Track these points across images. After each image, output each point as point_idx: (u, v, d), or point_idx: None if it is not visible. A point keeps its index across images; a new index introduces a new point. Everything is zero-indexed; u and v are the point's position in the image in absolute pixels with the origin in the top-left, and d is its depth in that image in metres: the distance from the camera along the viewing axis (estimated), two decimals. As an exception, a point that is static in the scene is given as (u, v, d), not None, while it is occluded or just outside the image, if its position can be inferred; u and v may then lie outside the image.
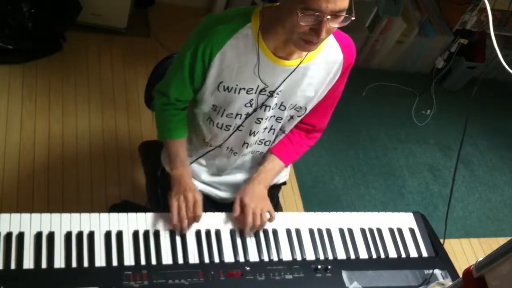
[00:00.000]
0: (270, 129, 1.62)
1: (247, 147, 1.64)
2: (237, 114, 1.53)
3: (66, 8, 2.76)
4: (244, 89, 1.47)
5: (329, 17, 1.22)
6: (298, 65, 1.43)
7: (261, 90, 1.47)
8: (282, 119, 1.59)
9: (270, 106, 1.52)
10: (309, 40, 1.28)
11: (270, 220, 1.57)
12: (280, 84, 1.46)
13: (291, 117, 1.60)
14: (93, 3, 2.87)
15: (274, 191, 1.87)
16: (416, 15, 3.46)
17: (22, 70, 2.73)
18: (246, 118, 1.54)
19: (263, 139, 1.65)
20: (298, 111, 1.57)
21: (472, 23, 3.21)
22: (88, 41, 2.98)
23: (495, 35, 1.25)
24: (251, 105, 1.51)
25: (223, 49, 1.40)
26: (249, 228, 1.54)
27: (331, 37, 1.46)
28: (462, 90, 3.71)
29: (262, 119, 1.55)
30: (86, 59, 2.92)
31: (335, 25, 1.26)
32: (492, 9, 1.86)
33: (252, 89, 1.47)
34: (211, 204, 1.75)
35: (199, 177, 1.74)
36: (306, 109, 1.57)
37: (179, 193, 1.55)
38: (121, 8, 2.96)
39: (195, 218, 1.52)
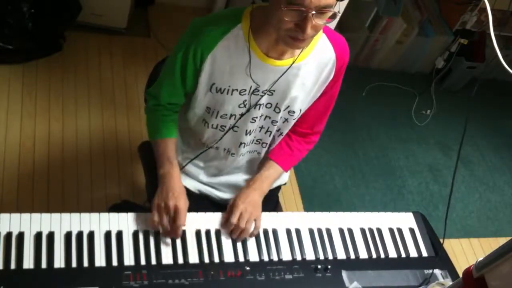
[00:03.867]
0: (267, 130, 1.61)
1: (244, 147, 1.64)
2: (231, 115, 1.53)
3: (66, 8, 2.76)
4: (236, 90, 1.46)
5: (314, 12, 1.21)
6: (291, 65, 1.42)
7: (254, 91, 1.47)
8: (277, 122, 1.58)
9: (262, 104, 1.51)
10: (295, 36, 1.27)
11: (253, 233, 1.53)
12: (273, 84, 1.45)
13: (286, 119, 1.59)
14: (93, 3, 2.87)
15: (274, 191, 1.87)
16: (416, 15, 3.46)
17: (22, 70, 2.73)
18: (239, 117, 1.53)
19: (260, 139, 1.65)
20: (291, 115, 1.56)
21: (472, 23, 3.21)
22: (88, 41, 2.98)
23: (495, 35, 1.25)
24: (244, 106, 1.51)
25: (214, 50, 1.40)
26: (231, 228, 1.51)
27: (324, 36, 1.45)
28: (462, 90, 3.71)
29: (256, 117, 1.54)
30: (86, 59, 2.92)
31: (321, 21, 1.25)
32: (492, 9, 1.86)
33: (245, 90, 1.47)
34: (211, 204, 1.75)
35: (197, 178, 1.74)
36: (300, 110, 1.56)
37: (161, 199, 1.49)
38: (121, 8, 2.96)
39: (176, 229, 1.45)
